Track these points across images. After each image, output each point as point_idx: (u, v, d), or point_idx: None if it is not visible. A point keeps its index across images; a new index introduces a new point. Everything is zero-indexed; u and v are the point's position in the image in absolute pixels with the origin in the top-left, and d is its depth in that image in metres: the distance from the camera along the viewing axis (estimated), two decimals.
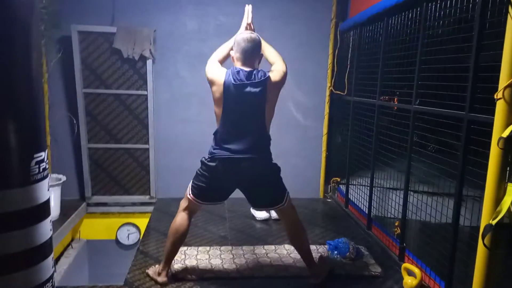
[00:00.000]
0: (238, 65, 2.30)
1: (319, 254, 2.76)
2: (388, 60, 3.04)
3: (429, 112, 2.49)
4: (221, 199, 2.50)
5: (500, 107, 1.68)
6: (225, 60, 2.43)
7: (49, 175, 1.55)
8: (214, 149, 2.33)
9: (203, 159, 2.39)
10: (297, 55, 4.04)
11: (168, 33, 3.93)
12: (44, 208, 1.50)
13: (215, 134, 2.36)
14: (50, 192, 3.51)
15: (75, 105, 3.86)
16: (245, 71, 2.24)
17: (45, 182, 1.50)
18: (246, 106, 2.25)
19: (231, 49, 2.37)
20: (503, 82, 1.65)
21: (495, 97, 1.68)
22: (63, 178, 3.65)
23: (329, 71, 4.16)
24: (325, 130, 4.29)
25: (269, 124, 2.35)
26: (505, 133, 1.63)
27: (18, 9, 1.35)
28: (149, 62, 3.85)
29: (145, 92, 3.93)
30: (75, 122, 3.85)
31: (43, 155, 1.48)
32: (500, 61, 1.69)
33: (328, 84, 4.19)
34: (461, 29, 2.17)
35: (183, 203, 2.46)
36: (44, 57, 3.65)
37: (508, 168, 1.69)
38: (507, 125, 1.66)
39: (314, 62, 4.16)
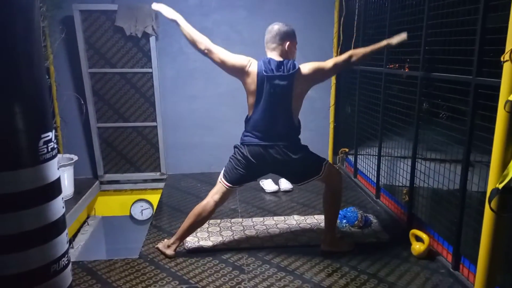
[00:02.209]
0: (268, 54, 2.38)
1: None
2: (394, 26, 2.97)
3: (437, 78, 2.45)
4: (252, 180, 2.59)
5: (507, 70, 1.64)
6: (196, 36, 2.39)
7: (57, 154, 1.59)
8: (244, 135, 2.44)
9: (236, 144, 2.48)
10: (302, 24, 3.94)
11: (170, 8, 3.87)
12: (55, 186, 1.54)
13: (246, 121, 2.44)
14: (63, 171, 3.61)
15: (81, 85, 3.88)
16: (275, 60, 2.32)
17: (54, 161, 1.54)
18: (274, 97, 2.31)
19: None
20: (510, 44, 1.60)
21: (502, 59, 1.64)
22: (75, 157, 3.72)
23: (335, 40, 4.09)
24: (332, 101, 4.26)
25: (296, 113, 2.42)
26: None
27: None
28: (152, 39, 3.82)
29: (150, 70, 3.92)
30: (82, 102, 3.89)
31: (51, 135, 1.51)
32: (508, 23, 1.64)
33: (334, 54, 4.12)
34: None
35: (215, 189, 2.50)
36: (48, 38, 3.65)
37: None
38: None
39: (320, 31, 4.09)
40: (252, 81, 2.33)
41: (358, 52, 2.46)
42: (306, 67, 2.35)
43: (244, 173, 2.43)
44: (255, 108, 2.37)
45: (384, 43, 2.54)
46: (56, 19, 3.70)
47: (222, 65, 2.37)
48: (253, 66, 2.34)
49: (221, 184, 2.47)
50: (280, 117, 2.35)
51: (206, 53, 2.38)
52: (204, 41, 2.37)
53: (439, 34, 2.41)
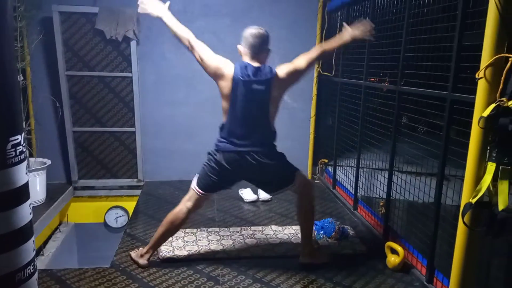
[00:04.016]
0: (246, 59, 2.32)
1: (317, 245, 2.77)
2: (374, 40, 3.02)
3: (414, 93, 2.49)
4: (226, 187, 2.52)
5: (481, 87, 1.68)
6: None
7: (26, 158, 1.53)
8: (219, 142, 2.37)
9: (210, 151, 2.42)
10: (285, 35, 4.00)
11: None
12: (22, 192, 1.47)
13: (221, 127, 2.38)
14: (36, 176, 3.48)
15: (58, 88, 3.79)
16: (253, 66, 2.27)
17: (23, 166, 1.48)
18: (251, 102, 2.28)
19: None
20: (484, 61, 1.65)
21: (477, 76, 1.68)
22: (48, 162, 3.61)
23: None
24: (313, 112, 4.28)
25: (273, 119, 2.38)
26: (486, 113, 1.64)
27: None
28: (133, 44, 3.77)
29: (129, 74, 3.86)
30: (58, 105, 3.78)
31: (20, 138, 1.45)
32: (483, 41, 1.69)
33: (316, 66, 4.16)
34: (446, 8, 2.15)
35: (187, 196, 2.45)
36: (25, 39, 3.56)
37: (488, 147, 1.70)
38: (488, 104, 1.66)
39: (302, 43, 4.10)
40: (226, 84, 2.28)
41: (329, 47, 2.41)
42: (282, 71, 2.30)
43: (218, 180, 2.38)
44: (231, 114, 2.31)
45: (347, 37, 2.38)
46: (35, 20, 3.60)
47: (201, 63, 2.32)
48: (228, 68, 2.27)
49: (193, 191, 2.42)
50: (257, 122, 2.32)
51: (189, 50, 2.34)
52: (187, 37, 2.33)
53: (417, 50, 2.46)
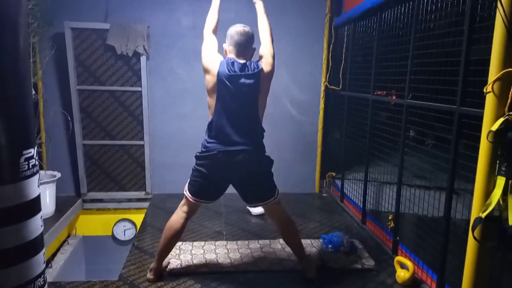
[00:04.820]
0: (230, 55, 2.31)
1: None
2: (381, 55, 3.04)
3: (422, 107, 2.50)
4: (215, 197, 2.45)
5: (489, 101, 1.69)
6: (217, 25, 2.40)
7: (38, 171, 1.55)
8: (208, 142, 2.31)
9: (197, 153, 2.37)
10: (292, 50, 4.05)
11: (162, 29, 3.92)
12: (34, 204, 1.50)
13: (209, 126, 2.33)
14: (45, 188, 3.52)
15: (69, 102, 3.86)
16: (239, 62, 2.25)
17: (35, 179, 1.51)
18: (240, 98, 2.24)
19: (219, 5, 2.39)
20: (492, 75, 1.66)
21: (485, 90, 1.69)
22: (58, 174, 3.65)
23: (324, 66, 4.16)
24: (320, 125, 4.30)
25: (262, 115, 2.36)
26: (494, 127, 1.64)
27: (5, 7, 1.35)
28: (143, 59, 3.84)
29: (139, 89, 3.92)
30: (69, 119, 3.85)
31: (32, 151, 1.49)
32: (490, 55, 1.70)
33: (323, 79, 4.19)
34: (453, 23, 2.17)
35: (182, 202, 2.45)
36: (38, 54, 3.64)
37: (497, 161, 1.70)
38: (496, 118, 1.66)
39: (309, 57, 4.16)
40: (211, 78, 2.25)
41: (266, 21, 2.41)
42: (265, 65, 2.29)
43: (207, 184, 2.33)
44: (218, 112, 2.26)
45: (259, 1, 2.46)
46: (47, 36, 3.69)
47: (201, 53, 2.33)
48: (215, 64, 2.25)
49: (185, 197, 2.41)
50: (247, 119, 2.28)
51: None
52: (207, 25, 2.37)
53: (425, 64, 2.47)
